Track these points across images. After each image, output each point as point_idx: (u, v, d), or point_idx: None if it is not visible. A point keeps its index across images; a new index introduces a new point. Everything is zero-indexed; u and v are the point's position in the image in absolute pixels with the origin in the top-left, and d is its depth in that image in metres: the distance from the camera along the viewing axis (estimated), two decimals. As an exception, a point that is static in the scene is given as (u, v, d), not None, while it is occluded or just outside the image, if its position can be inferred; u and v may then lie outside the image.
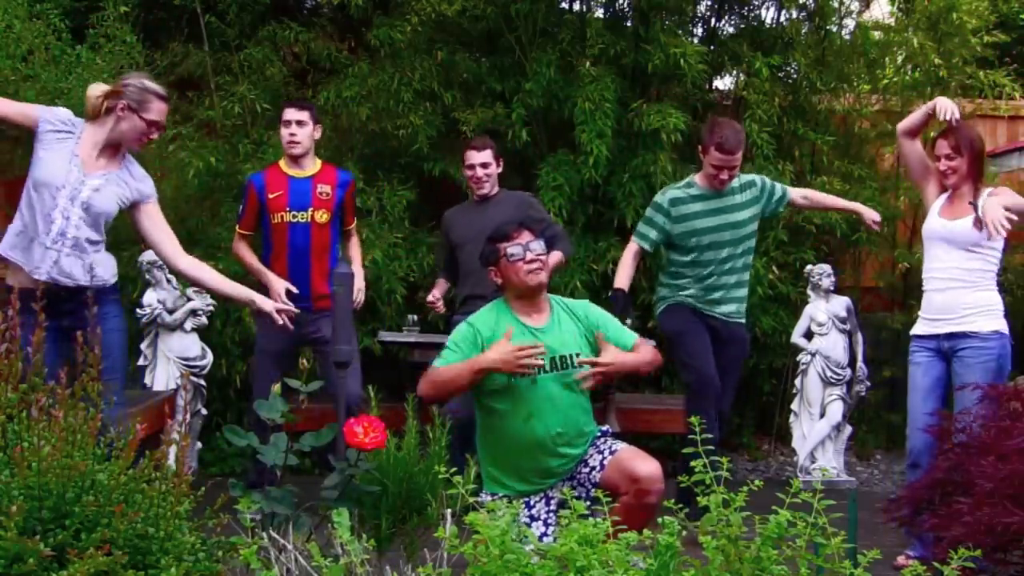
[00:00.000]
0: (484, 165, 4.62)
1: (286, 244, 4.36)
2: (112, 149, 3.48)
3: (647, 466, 3.19)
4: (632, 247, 4.50)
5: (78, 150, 3.41)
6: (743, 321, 4.60)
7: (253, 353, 4.41)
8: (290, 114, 4.38)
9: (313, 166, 4.45)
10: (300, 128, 4.35)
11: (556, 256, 4.68)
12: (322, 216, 4.38)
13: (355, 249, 4.64)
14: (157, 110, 3.48)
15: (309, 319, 4.23)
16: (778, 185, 4.61)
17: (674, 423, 5.22)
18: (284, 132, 4.39)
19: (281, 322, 3.58)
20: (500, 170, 4.72)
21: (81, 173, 3.38)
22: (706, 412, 4.04)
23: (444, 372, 3.23)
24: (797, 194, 4.69)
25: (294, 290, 4.24)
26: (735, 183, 4.49)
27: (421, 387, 3.27)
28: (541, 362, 3.20)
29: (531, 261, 3.28)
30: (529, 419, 3.22)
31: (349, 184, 4.51)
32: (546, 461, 3.25)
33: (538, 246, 3.33)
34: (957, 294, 3.84)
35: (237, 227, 4.55)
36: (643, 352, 3.45)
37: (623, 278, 4.46)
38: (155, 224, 3.62)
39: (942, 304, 3.86)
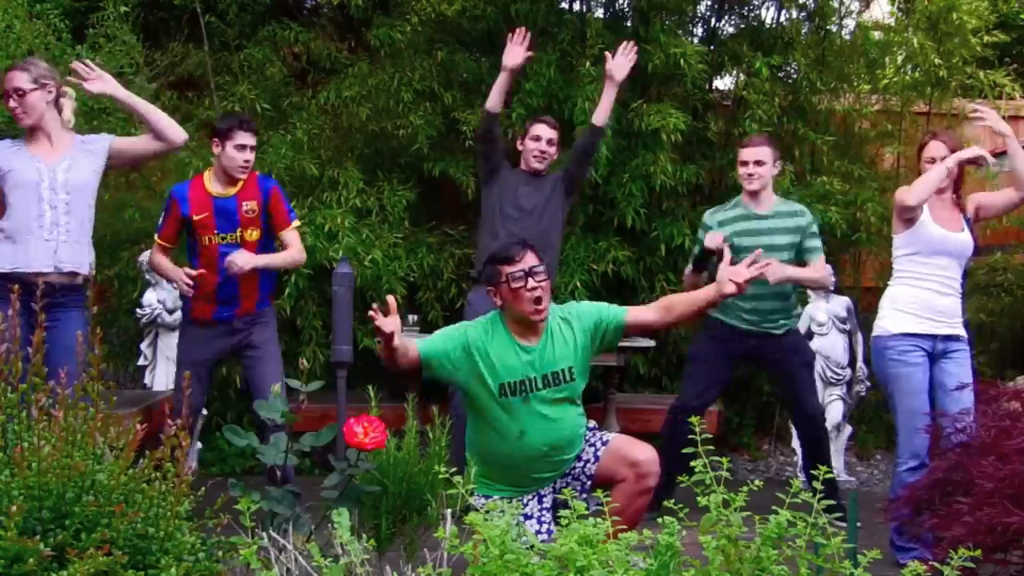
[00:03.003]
0: (551, 142, 4.68)
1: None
2: (61, 134, 3.71)
3: (644, 450, 3.26)
4: (687, 270, 4.61)
5: (34, 152, 3.64)
6: (791, 327, 4.56)
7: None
8: (246, 139, 4.02)
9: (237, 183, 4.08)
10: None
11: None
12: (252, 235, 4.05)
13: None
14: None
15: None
16: (818, 242, 4.45)
17: (674, 423, 5.22)
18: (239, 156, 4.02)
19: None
20: (555, 158, 4.76)
21: (46, 167, 3.61)
22: (675, 437, 3.90)
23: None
24: (819, 263, 4.48)
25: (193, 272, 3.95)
26: (782, 207, 4.46)
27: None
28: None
29: (533, 288, 3.22)
30: (522, 436, 3.24)
31: (271, 191, 4.10)
32: (539, 471, 3.30)
33: (541, 271, 3.27)
34: (955, 300, 3.96)
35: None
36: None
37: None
38: (132, 142, 3.88)
39: (945, 307, 3.92)
